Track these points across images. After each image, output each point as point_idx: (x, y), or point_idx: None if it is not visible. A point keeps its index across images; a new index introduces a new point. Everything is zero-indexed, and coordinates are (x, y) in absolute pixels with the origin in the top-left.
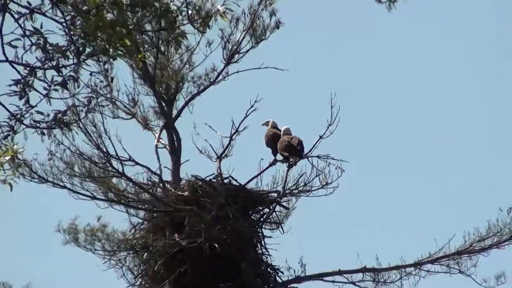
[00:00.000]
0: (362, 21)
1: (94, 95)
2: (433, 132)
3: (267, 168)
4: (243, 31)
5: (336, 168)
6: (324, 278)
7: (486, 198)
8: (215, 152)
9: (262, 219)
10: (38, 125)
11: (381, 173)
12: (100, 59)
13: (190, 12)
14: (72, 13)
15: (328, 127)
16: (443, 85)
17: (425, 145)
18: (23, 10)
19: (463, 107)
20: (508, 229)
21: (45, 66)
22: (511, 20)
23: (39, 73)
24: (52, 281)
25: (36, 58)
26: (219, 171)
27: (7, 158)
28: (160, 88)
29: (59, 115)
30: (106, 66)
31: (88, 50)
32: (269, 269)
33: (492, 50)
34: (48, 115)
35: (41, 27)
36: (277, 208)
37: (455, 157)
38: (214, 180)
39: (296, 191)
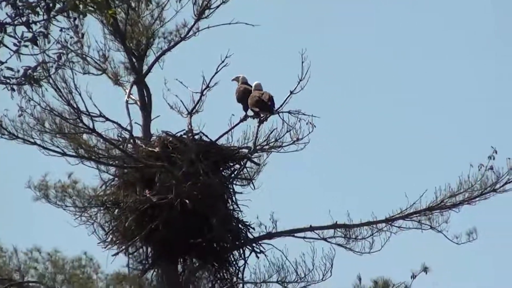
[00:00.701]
0: None
1: (64, 51)
2: (404, 88)
3: (238, 123)
4: None
5: (307, 123)
6: (295, 234)
7: (457, 154)
8: (185, 107)
9: (233, 175)
10: (8, 81)
11: (353, 128)
12: (71, 15)
13: None
14: None
15: (299, 83)
16: (413, 40)
17: (397, 99)
18: None
19: (434, 63)
20: (479, 185)
21: (15, 22)
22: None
23: (9, 29)
24: (22, 238)
25: (6, 14)
26: (189, 127)
27: None
28: (131, 44)
29: (29, 71)
30: (76, 22)
31: (58, 6)
32: (240, 225)
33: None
34: (18, 71)
35: None
36: (248, 164)
37: (427, 114)
38: (184, 136)
39: (267, 147)
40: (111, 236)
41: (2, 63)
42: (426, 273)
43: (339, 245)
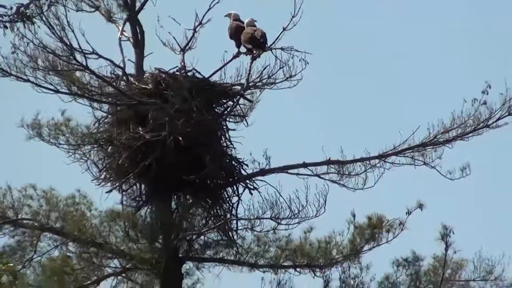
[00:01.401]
0: None
1: None
2: (397, 23)
3: (230, 60)
4: None
5: (300, 60)
6: (289, 171)
7: (451, 89)
8: (178, 44)
9: (226, 111)
10: (0, 18)
11: (346, 65)
12: None
13: None
14: None
15: (291, 19)
16: None
17: (389, 33)
18: None
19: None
20: (472, 121)
21: None
22: None
23: None
24: (15, 176)
25: None
26: (182, 63)
27: None
28: None
29: (22, 8)
30: None
31: None
32: (233, 162)
33: None
34: (11, 8)
35: None
36: (241, 100)
37: (419, 48)
38: (177, 73)
39: (260, 83)
40: (104, 174)
41: None
42: (422, 209)
43: (332, 181)
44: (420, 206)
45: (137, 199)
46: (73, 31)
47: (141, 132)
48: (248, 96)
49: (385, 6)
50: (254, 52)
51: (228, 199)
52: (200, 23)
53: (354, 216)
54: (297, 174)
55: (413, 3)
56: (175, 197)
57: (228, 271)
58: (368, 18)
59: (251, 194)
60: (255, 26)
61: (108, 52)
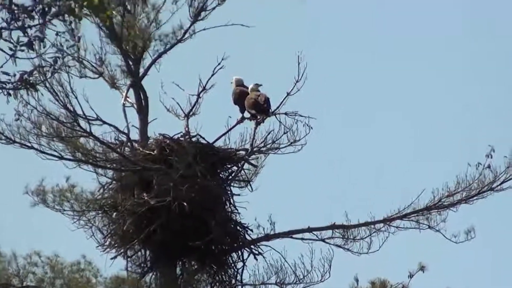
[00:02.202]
0: None
1: (60, 55)
2: (399, 88)
3: (234, 125)
4: None
5: (304, 125)
6: (294, 236)
7: (455, 154)
8: (182, 110)
9: (230, 177)
10: (4, 85)
11: (349, 129)
12: (66, 18)
13: None
14: None
15: (295, 84)
16: (408, 49)
17: (391, 101)
18: None
19: (427, 61)
20: (476, 184)
21: (11, 26)
22: None
23: (5, 33)
24: (21, 243)
25: (2, 18)
26: (186, 129)
27: None
28: (127, 47)
29: (25, 75)
30: (72, 26)
31: (53, 10)
32: (238, 227)
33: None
34: (14, 75)
35: None
36: (246, 166)
37: (423, 113)
38: (182, 139)
39: (264, 148)
40: (109, 240)
41: None
42: (423, 271)
43: (337, 245)
44: (422, 269)
45: (142, 265)
46: (76, 97)
47: (145, 198)
48: (253, 161)
49: (385, 74)
50: (258, 117)
51: (233, 265)
52: (204, 88)
53: (357, 280)
54: (302, 239)
55: (417, 69)
56: (180, 263)
57: None
58: (370, 84)
59: (256, 259)
60: (259, 91)
61: (112, 118)
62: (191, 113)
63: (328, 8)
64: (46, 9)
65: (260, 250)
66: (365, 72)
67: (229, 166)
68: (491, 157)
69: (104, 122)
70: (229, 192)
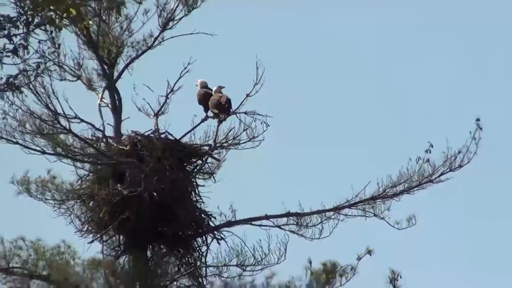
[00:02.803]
0: None
1: (42, 60)
2: (349, 83)
3: (199, 123)
4: (177, 0)
5: (261, 123)
6: (253, 223)
7: (398, 149)
8: (152, 110)
9: (195, 170)
10: None
11: (303, 126)
12: (48, 28)
13: None
14: None
15: (254, 86)
16: (357, 49)
17: (340, 98)
18: None
19: (379, 59)
20: (417, 176)
21: None
22: None
23: None
24: (7, 229)
25: None
26: (156, 127)
27: None
28: (103, 53)
29: (11, 79)
30: (53, 35)
31: (36, 20)
32: (202, 215)
33: None
34: (1, 78)
35: None
36: (209, 160)
37: (369, 112)
38: (152, 135)
39: (226, 144)
40: (86, 226)
41: None
42: (370, 255)
43: (292, 231)
44: (369, 252)
45: (116, 249)
46: (57, 98)
47: (119, 189)
48: (216, 156)
49: (334, 71)
50: (221, 116)
51: (198, 248)
52: (172, 90)
53: (310, 263)
54: (260, 225)
55: (368, 66)
56: (150, 247)
57: None
58: (320, 82)
59: (219, 243)
60: (221, 92)
61: (89, 116)
62: (160, 112)
63: (282, 16)
64: (30, 19)
65: (222, 235)
66: (316, 75)
67: (194, 160)
68: (430, 152)
69: (82, 120)
70: (194, 183)
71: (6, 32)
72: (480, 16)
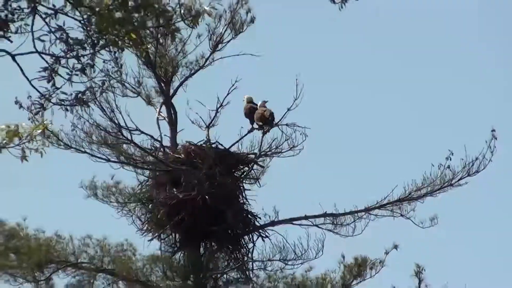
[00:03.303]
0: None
1: (107, 78)
2: (377, 92)
3: (246, 135)
4: (225, 25)
5: (301, 134)
6: (293, 222)
7: (422, 156)
8: (204, 122)
9: (243, 175)
10: (62, 103)
11: (339, 136)
12: (111, 49)
13: (182, 11)
14: (88, 13)
15: (294, 101)
16: (386, 64)
17: (370, 105)
18: (49, 11)
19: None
20: (439, 181)
21: (67, 56)
22: None
23: (63, 61)
24: (76, 228)
25: (60, 49)
26: (208, 137)
27: (38, 131)
28: (160, 72)
29: (79, 94)
30: (116, 55)
31: (101, 42)
32: (249, 216)
33: None
34: (71, 94)
35: (64, 25)
36: (255, 166)
37: (395, 122)
38: (204, 145)
39: (269, 152)
40: (146, 226)
41: (58, 88)
42: (397, 249)
43: (328, 230)
44: (396, 247)
45: (173, 246)
46: (120, 112)
47: (175, 192)
48: (260, 163)
49: (366, 84)
50: (264, 128)
51: (245, 245)
52: (221, 105)
53: (343, 257)
54: (300, 224)
55: (399, 79)
56: (203, 244)
57: None
58: (350, 96)
59: (263, 241)
60: (265, 107)
61: (148, 129)
62: (211, 125)
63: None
64: (95, 41)
65: (267, 234)
66: (350, 92)
67: (241, 167)
68: (450, 159)
69: (142, 132)
70: (241, 188)
71: (74, 53)
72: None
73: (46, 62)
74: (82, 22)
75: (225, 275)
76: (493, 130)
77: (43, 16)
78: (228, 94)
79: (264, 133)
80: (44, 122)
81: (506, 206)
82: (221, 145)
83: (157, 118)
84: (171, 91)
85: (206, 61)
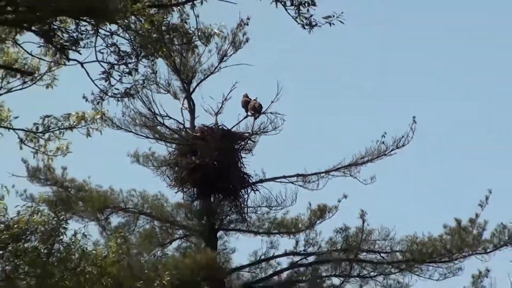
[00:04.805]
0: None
1: (146, 79)
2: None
3: (242, 120)
4: (228, 44)
5: (280, 119)
6: (276, 180)
7: (365, 136)
8: (213, 111)
9: (240, 148)
10: (116, 96)
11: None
12: (150, 59)
13: (199, 33)
14: (134, 34)
15: (276, 96)
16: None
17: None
18: (107, 33)
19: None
20: (376, 152)
21: (119, 63)
22: None
23: (116, 67)
24: (123, 185)
25: (114, 59)
26: (216, 122)
27: (98, 116)
28: (183, 76)
29: (127, 90)
30: (153, 63)
31: (143, 54)
32: (244, 175)
33: None
34: (121, 90)
35: (117, 42)
36: (249, 142)
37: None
38: (213, 127)
39: (259, 132)
40: (173, 182)
41: (112, 86)
42: (346, 198)
43: (299, 185)
44: (345, 197)
45: (192, 196)
46: (155, 103)
47: (193, 160)
48: (253, 139)
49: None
50: (255, 115)
51: (242, 196)
52: (225, 99)
53: (310, 204)
54: (280, 182)
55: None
56: (213, 195)
57: (243, 236)
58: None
59: (255, 193)
60: (256, 100)
61: (175, 115)
62: (218, 112)
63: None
64: (138, 53)
65: (257, 188)
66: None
67: (239, 142)
68: (384, 137)
69: (171, 118)
70: (239, 156)
71: (124, 61)
72: None
73: (104, 68)
74: (129, 40)
75: (228, 217)
76: (414, 117)
77: (103, 36)
78: (230, 91)
79: (255, 119)
80: (102, 110)
81: (422, 169)
82: (225, 126)
83: (181, 108)
84: (191, 89)
85: (215, 69)
